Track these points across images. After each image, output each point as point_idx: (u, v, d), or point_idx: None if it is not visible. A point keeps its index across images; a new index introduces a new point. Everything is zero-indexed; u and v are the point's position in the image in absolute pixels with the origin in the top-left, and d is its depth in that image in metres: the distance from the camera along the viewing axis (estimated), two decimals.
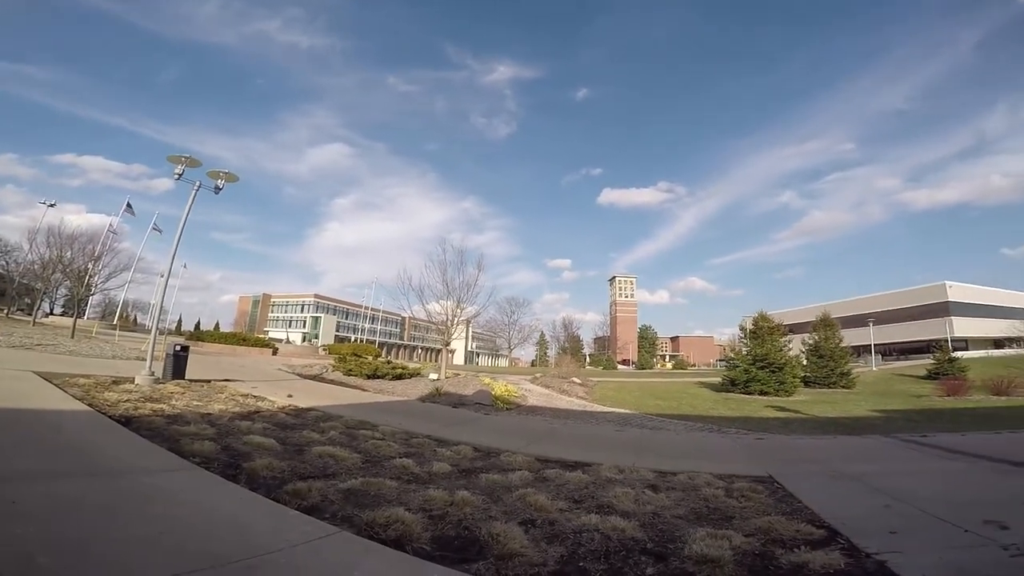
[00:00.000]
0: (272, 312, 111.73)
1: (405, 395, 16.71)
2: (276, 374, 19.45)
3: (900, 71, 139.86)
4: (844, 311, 54.35)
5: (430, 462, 6.27)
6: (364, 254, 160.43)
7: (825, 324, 34.82)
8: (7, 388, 7.96)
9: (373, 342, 70.74)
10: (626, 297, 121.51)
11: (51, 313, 47.15)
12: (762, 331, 29.09)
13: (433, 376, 22.00)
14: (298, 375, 20.18)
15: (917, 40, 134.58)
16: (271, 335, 77.15)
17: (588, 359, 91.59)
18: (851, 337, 36.90)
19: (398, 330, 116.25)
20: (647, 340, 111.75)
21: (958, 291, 65.43)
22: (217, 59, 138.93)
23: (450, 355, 79.50)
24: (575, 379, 28.61)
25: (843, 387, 29.75)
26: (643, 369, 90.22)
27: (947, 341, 47.88)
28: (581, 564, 3.39)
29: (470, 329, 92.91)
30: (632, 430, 12.18)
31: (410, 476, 5.55)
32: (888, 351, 62.94)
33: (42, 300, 37.67)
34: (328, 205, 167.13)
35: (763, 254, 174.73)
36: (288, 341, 67.12)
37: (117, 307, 53.14)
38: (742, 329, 32.71)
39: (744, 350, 29.75)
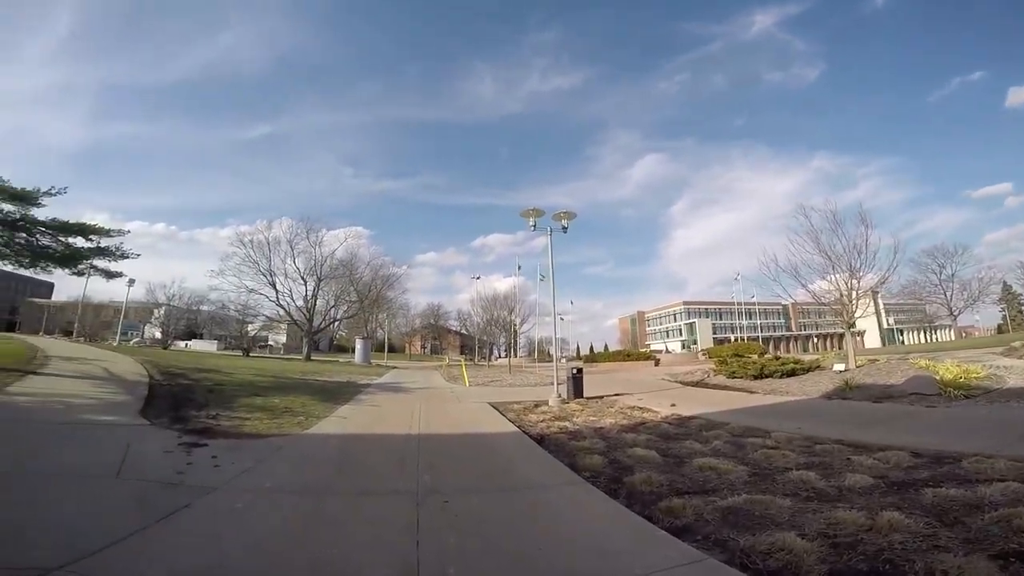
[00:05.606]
0: (648, 326, 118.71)
1: (803, 393, 14.43)
2: (659, 384, 20.03)
3: None
4: None
5: (841, 474, 4.99)
6: (720, 250, 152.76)
7: None
8: (472, 417, 10.76)
9: (755, 338, 65.56)
10: None
11: (500, 356, 63.55)
12: None
13: (839, 367, 18.32)
14: (680, 383, 20.25)
15: None
16: (652, 347, 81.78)
17: None
18: None
19: (782, 320, 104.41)
20: None
21: None
22: (516, 127, 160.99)
23: (857, 338, 65.82)
24: None
25: None
26: None
27: None
28: None
29: (880, 302, 74.75)
30: None
31: (811, 492, 4.52)
32: None
33: (490, 348, 51.45)
34: (666, 215, 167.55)
35: None
36: (668, 351, 69.48)
37: (535, 344, 67.34)
38: None
39: None
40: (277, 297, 41.39)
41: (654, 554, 3.35)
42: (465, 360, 43.30)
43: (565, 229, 14.51)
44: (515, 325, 40.91)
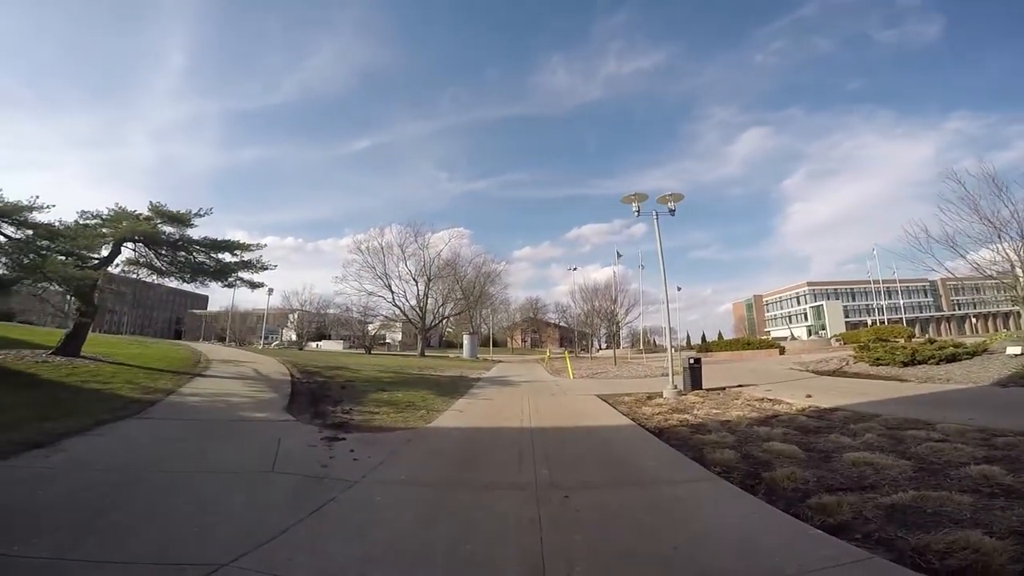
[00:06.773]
0: (768, 311, 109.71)
1: (969, 381, 12.47)
2: (788, 374, 18.41)
3: None
4: None
5: None
6: (847, 224, 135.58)
7: None
8: (582, 410, 10.62)
9: (897, 320, 57.76)
10: None
11: (601, 348, 62.44)
12: None
13: (1014, 350, 15.57)
14: (813, 372, 18.47)
15: None
16: (773, 335, 75.35)
17: None
18: None
19: (929, 299, 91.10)
20: None
21: None
22: (599, 114, 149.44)
23: None
24: None
25: None
26: None
27: None
28: None
29: None
30: None
31: (995, 488, 3.95)
32: None
33: (590, 340, 50.78)
34: (779, 190, 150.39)
35: None
36: (793, 338, 63.45)
37: (639, 335, 65.20)
38: None
39: None
40: (393, 298, 44.76)
41: (809, 553, 3.02)
42: (567, 352, 43.32)
43: (672, 211, 13.67)
44: (619, 315, 39.96)
